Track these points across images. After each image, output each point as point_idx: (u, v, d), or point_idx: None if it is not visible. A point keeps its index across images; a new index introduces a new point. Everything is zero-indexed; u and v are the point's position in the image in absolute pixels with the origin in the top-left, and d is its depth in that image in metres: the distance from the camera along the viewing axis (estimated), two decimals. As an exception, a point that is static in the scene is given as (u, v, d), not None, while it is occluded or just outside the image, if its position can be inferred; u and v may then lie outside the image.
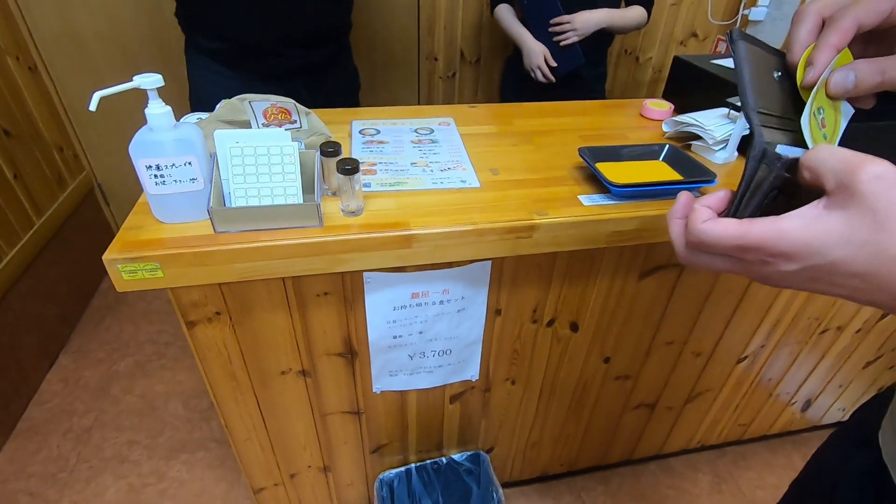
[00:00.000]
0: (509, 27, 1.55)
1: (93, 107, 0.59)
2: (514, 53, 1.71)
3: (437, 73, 2.05)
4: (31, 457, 1.38)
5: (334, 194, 0.79)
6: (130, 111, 1.14)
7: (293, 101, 0.80)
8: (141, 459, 1.39)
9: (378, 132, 1.01)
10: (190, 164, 0.67)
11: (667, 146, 0.92)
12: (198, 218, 0.72)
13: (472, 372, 1.00)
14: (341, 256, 0.72)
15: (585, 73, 1.57)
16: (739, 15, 2.11)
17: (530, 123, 1.09)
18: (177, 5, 1.15)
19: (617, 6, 1.52)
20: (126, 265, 0.66)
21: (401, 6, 1.85)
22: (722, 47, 2.20)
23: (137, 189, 0.70)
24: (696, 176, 0.83)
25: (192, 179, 0.68)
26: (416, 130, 1.02)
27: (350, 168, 0.70)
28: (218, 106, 0.88)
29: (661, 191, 0.82)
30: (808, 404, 1.41)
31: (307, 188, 0.75)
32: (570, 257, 0.87)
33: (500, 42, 1.97)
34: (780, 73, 0.39)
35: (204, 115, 0.88)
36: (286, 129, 0.73)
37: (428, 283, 0.83)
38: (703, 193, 0.87)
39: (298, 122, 0.75)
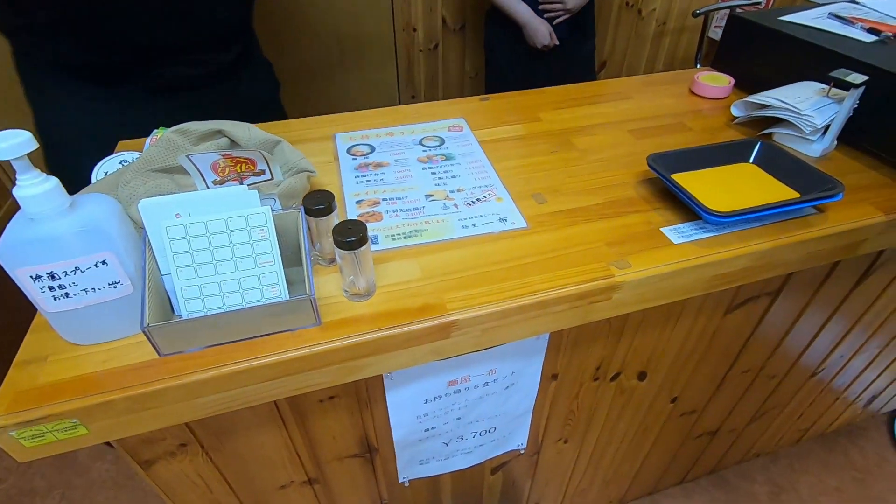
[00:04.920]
0: (507, 4, 1.33)
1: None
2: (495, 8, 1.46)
3: (416, 45, 1.76)
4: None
5: (329, 263, 0.56)
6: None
7: (258, 138, 0.55)
8: (122, 545, 1.18)
9: (372, 150, 0.77)
10: (105, 262, 0.42)
11: (758, 144, 0.70)
12: (131, 332, 0.48)
13: (520, 441, 0.80)
14: (352, 364, 0.50)
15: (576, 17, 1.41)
16: (754, -48, 1.85)
17: (563, 117, 0.85)
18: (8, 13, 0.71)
19: None
20: (23, 430, 0.42)
21: (368, -32, 1.55)
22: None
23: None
24: (813, 187, 0.62)
25: (113, 284, 0.44)
26: (421, 142, 0.78)
27: (355, 241, 0.47)
28: (147, 143, 0.63)
29: (773, 215, 0.61)
30: (871, 399, 1.27)
31: (290, 262, 0.51)
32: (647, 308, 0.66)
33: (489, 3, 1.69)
34: None
35: (131, 156, 0.62)
36: (249, 186, 0.49)
37: (469, 368, 0.61)
38: (821, 210, 0.67)
39: (267, 171, 0.51)
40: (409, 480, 0.78)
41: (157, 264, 0.47)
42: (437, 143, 0.78)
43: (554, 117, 0.85)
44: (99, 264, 0.42)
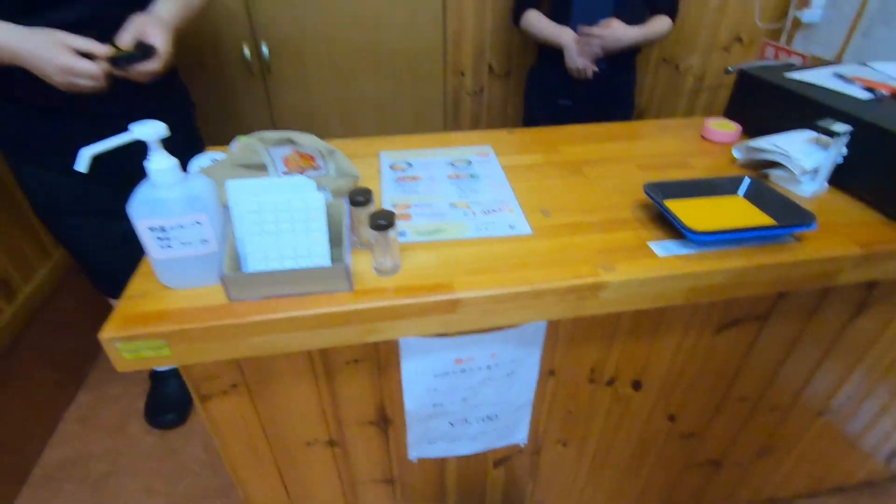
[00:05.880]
0: (544, 30, 1.44)
1: (82, 167, 0.49)
2: (538, 65, 1.61)
3: (463, 88, 1.95)
4: (46, 506, 1.31)
5: (365, 247, 0.68)
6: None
7: (319, 145, 0.70)
8: (159, 510, 1.31)
9: (410, 166, 0.91)
10: (199, 223, 0.57)
11: (747, 180, 0.79)
12: (210, 282, 0.62)
13: (521, 436, 0.88)
14: (375, 325, 0.62)
15: (614, 78, 1.50)
16: (790, 17, 1.95)
17: (579, 151, 0.97)
18: None
19: (641, 15, 1.44)
20: (127, 343, 0.56)
21: (426, 19, 1.75)
22: (770, 52, 2.04)
23: (141, 250, 0.61)
24: (790, 218, 0.70)
25: (203, 241, 0.58)
26: (452, 163, 0.92)
27: (385, 223, 0.59)
28: (231, 145, 0.79)
29: (749, 237, 0.69)
30: (892, 455, 1.24)
31: (334, 242, 0.64)
32: (636, 313, 0.75)
33: (533, 53, 1.86)
34: None
35: (220, 155, 0.79)
36: (310, 177, 0.63)
37: (474, 348, 0.71)
38: (799, 239, 0.75)
39: (324, 167, 0.65)
40: (418, 459, 0.87)
41: (235, 232, 0.61)
42: (465, 165, 0.91)
43: (570, 150, 0.97)
44: (195, 224, 0.57)
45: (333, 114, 1.87)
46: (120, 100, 0.92)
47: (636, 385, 0.86)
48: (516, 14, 1.51)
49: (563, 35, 1.40)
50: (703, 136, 1.03)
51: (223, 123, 1.81)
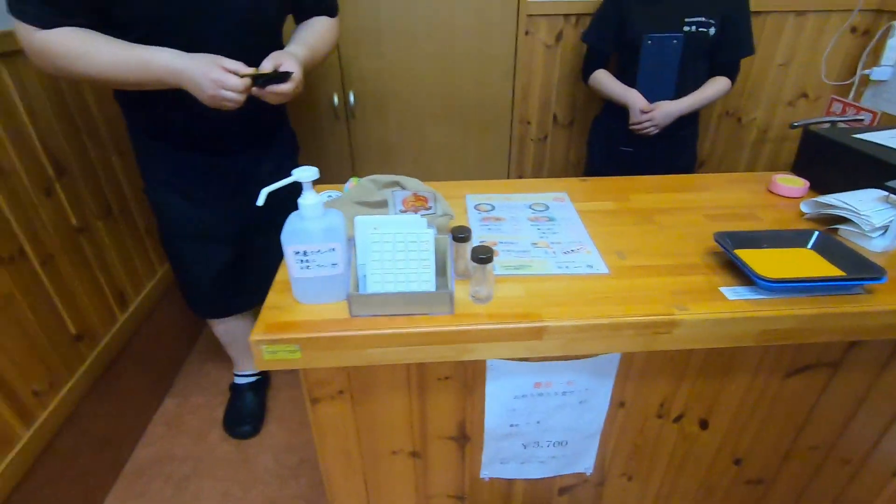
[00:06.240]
0: (612, 89, 1.56)
1: (260, 201, 0.63)
2: (603, 114, 1.71)
3: (528, 135, 2.07)
4: (135, 499, 1.45)
5: (461, 277, 0.78)
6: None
7: (422, 188, 0.82)
8: (234, 514, 1.41)
9: (493, 208, 1.01)
10: (333, 250, 0.69)
11: (816, 233, 0.84)
12: (333, 300, 0.73)
13: (587, 465, 0.93)
14: (470, 346, 0.71)
15: (677, 132, 1.57)
16: (858, 75, 1.98)
17: (649, 199, 1.05)
18: (114, 92, 1.11)
19: (705, 76, 1.52)
20: (270, 346, 0.68)
21: (498, 74, 1.90)
22: (837, 108, 2.05)
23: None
24: (860, 271, 0.75)
25: (333, 265, 0.70)
26: (531, 206, 1.01)
27: (485, 258, 0.69)
28: (347, 186, 0.92)
29: (819, 287, 0.74)
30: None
31: (438, 272, 0.75)
32: (707, 352, 0.80)
33: (598, 104, 1.97)
34: None
35: (335, 194, 0.92)
36: (422, 215, 0.74)
37: (552, 374, 0.79)
38: (869, 291, 0.78)
39: (433, 208, 0.77)
40: (490, 479, 0.93)
41: (357, 258, 0.73)
42: (544, 209, 1.00)
43: (641, 199, 1.05)
44: (330, 250, 0.69)
45: (407, 157, 2.03)
46: (249, 147, 1.16)
47: (703, 424, 0.90)
48: (585, 74, 1.63)
49: (629, 96, 1.51)
50: (770, 190, 1.09)
51: (309, 161, 2.01)
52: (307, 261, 0.69)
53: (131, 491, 1.47)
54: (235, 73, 0.87)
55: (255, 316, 0.70)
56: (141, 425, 1.66)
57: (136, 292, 1.63)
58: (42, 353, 1.21)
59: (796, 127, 1.86)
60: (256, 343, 0.68)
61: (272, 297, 0.75)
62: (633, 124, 1.52)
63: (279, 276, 0.79)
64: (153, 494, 1.46)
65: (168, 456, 1.58)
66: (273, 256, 0.80)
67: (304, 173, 0.66)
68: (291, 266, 0.70)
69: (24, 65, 1.18)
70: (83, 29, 0.86)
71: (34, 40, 0.84)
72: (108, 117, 1.47)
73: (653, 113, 1.47)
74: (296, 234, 0.68)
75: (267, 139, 1.22)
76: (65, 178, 1.31)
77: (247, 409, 1.66)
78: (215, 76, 0.86)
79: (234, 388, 1.70)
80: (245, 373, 1.68)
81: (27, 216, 1.18)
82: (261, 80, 0.92)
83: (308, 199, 0.67)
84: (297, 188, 0.66)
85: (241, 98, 0.90)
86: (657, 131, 1.51)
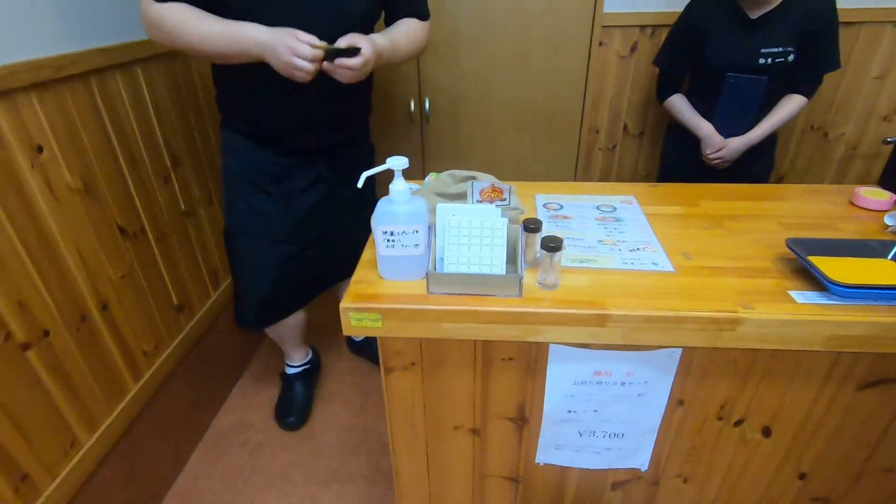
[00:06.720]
0: (686, 118, 1.58)
1: (360, 183, 0.72)
2: (678, 123, 1.70)
3: (597, 144, 2.09)
4: (216, 460, 1.60)
5: (530, 265, 0.84)
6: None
7: (496, 182, 0.89)
8: (300, 481, 1.53)
9: (561, 207, 1.06)
10: (417, 232, 0.77)
11: (898, 244, 0.82)
12: (412, 278, 0.81)
13: (642, 461, 0.95)
14: (535, 327, 0.76)
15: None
16: (966, 89, 1.83)
17: (720, 206, 1.05)
18: (217, 94, 1.26)
19: (777, 100, 1.50)
20: (356, 314, 0.77)
21: (569, 82, 1.94)
22: (940, 124, 1.91)
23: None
24: (944, 282, 0.73)
25: (416, 245, 0.78)
26: (598, 207, 1.05)
27: (554, 246, 0.74)
28: (427, 179, 1.01)
29: (893, 295, 0.73)
30: None
31: (509, 258, 0.81)
32: (773, 355, 0.80)
33: (669, 118, 1.96)
34: None
35: (415, 186, 1.01)
36: (496, 206, 0.81)
37: (613, 363, 0.82)
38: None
39: (507, 199, 0.83)
40: (544, 464, 0.97)
41: (437, 241, 0.80)
42: (611, 210, 1.04)
43: (712, 205, 1.06)
44: (414, 232, 0.77)
45: (477, 161, 2.11)
46: (329, 148, 1.29)
47: (766, 431, 0.89)
48: (661, 95, 1.64)
49: (702, 127, 1.53)
50: (852, 203, 1.06)
51: (382, 162, 2.14)
52: (393, 241, 0.77)
53: (213, 452, 1.63)
54: (309, 45, 0.97)
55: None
56: (223, 394, 1.83)
57: (226, 274, 1.81)
58: (151, 319, 1.39)
59: (890, 142, 1.76)
60: (345, 310, 0.77)
61: (360, 272, 0.84)
62: (704, 156, 1.53)
63: (366, 255, 0.89)
64: (231, 457, 1.61)
65: (245, 424, 1.74)
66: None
67: (396, 161, 0.74)
68: (379, 244, 0.78)
69: (156, 70, 1.37)
70: (191, 6, 1.01)
71: (151, 11, 1.00)
72: (216, 120, 1.65)
73: (723, 151, 1.50)
74: (385, 216, 0.76)
75: (347, 146, 1.34)
76: (178, 169, 1.50)
77: (295, 399, 1.76)
78: (290, 43, 0.96)
79: (285, 378, 1.81)
80: (295, 363, 1.79)
81: (149, 199, 1.36)
82: (332, 53, 0.99)
83: (397, 185, 0.75)
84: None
85: (311, 67, 0.98)
86: (727, 165, 1.53)
